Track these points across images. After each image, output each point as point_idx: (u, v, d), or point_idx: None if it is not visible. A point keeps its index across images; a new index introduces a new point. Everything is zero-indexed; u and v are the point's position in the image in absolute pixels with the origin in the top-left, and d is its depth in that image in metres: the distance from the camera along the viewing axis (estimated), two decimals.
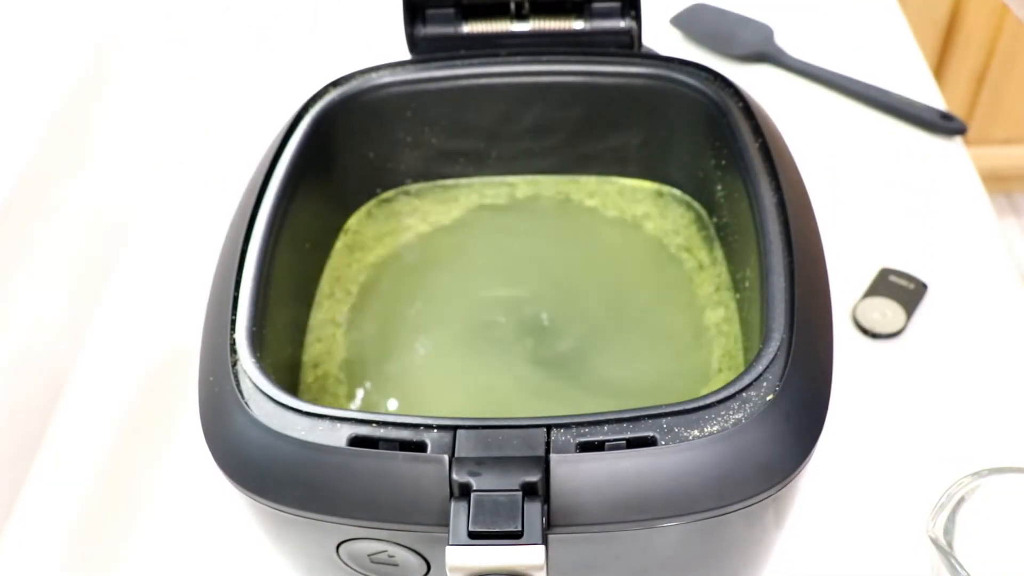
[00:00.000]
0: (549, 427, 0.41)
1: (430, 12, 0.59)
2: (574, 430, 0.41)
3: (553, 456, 0.40)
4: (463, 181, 0.65)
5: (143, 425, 0.66)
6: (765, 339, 0.44)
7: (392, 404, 0.54)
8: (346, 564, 0.44)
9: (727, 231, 0.58)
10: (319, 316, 0.59)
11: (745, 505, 0.40)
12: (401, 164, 0.64)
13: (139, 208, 0.81)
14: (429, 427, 0.41)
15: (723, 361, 0.55)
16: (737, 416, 0.41)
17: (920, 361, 0.68)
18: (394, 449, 0.40)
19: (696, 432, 0.40)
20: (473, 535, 0.38)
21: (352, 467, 0.41)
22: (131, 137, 0.80)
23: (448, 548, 0.38)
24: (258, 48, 0.98)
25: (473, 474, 0.39)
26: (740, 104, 0.55)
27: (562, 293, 0.59)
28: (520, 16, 0.59)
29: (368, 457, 0.40)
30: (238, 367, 0.45)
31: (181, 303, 0.72)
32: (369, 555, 0.43)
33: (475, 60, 0.60)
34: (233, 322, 0.46)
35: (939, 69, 1.56)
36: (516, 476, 0.39)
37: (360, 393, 0.55)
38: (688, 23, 0.97)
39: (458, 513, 0.39)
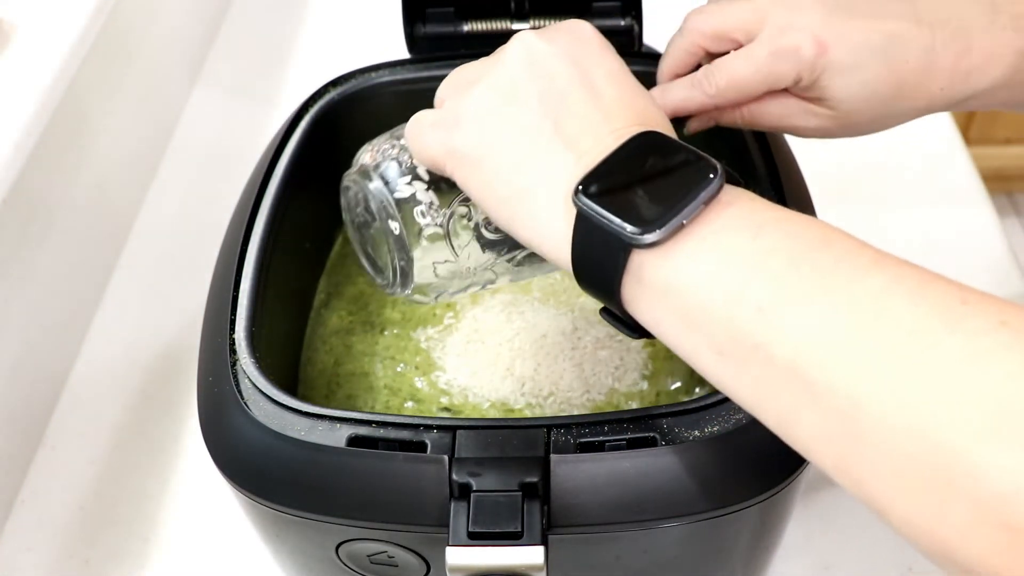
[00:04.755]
0: (549, 427, 0.41)
1: (429, 11, 0.59)
2: (574, 430, 0.40)
3: (553, 456, 0.40)
4: None
5: (142, 425, 0.66)
6: None
7: (391, 404, 0.54)
8: (345, 565, 0.44)
9: None
10: (319, 316, 0.59)
11: (746, 506, 0.40)
12: None
13: (139, 208, 0.81)
14: (429, 427, 0.41)
15: None
16: (737, 416, 0.41)
17: None
18: (394, 449, 0.40)
19: (696, 432, 0.40)
20: (473, 535, 0.38)
21: (352, 467, 0.40)
22: (131, 136, 0.80)
23: (448, 548, 0.38)
24: (258, 48, 0.98)
25: (473, 474, 0.39)
26: None
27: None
28: (520, 15, 0.59)
29: (368, 457, 0.40)
30: (238, 367, 0.44)
31: (181, 303, 0.72)
32: (368, 556, 0.43)
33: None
34: (233, 322, 0.46)
35: None
36: (516, 476, 0.39)
37: (360, 393, 0.55)
38: None
39: (458, 513, 0.39)
